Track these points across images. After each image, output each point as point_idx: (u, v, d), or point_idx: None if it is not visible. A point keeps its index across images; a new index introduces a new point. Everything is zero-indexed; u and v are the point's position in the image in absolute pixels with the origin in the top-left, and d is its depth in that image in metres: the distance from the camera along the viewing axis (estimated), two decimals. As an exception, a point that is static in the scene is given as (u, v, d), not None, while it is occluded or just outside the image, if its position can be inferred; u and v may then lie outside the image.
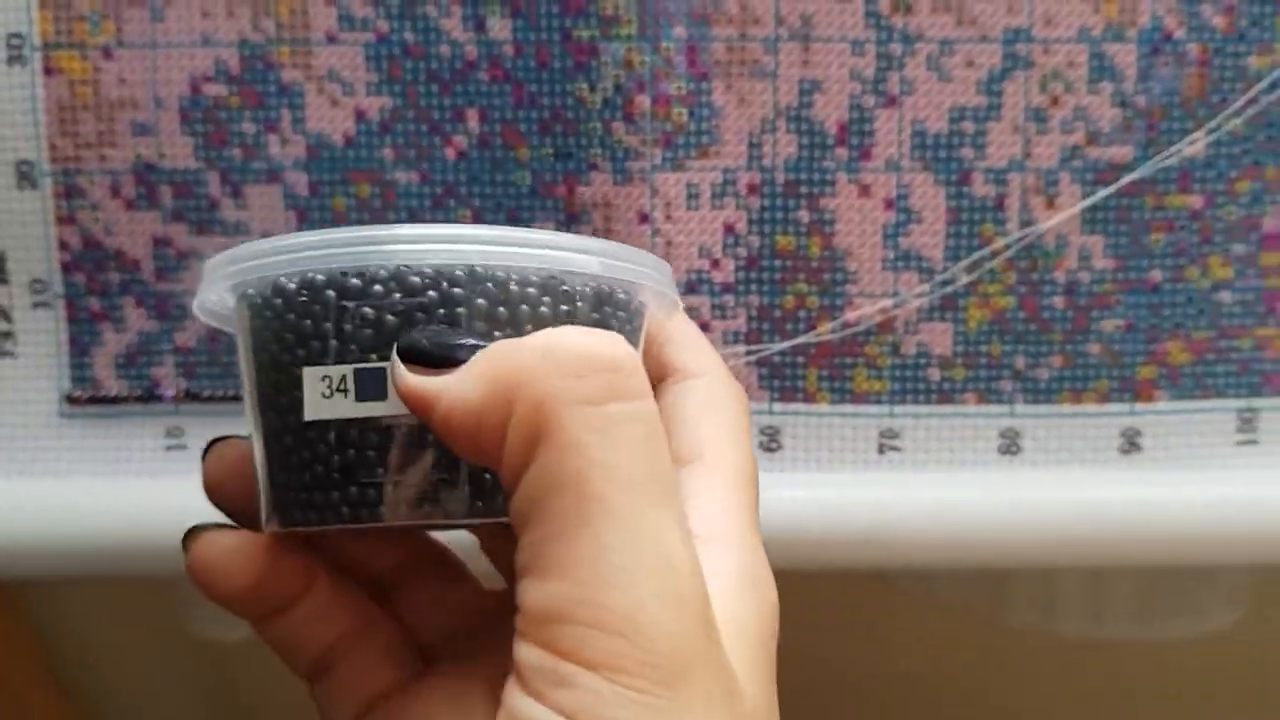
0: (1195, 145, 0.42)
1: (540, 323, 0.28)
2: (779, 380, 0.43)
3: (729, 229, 0.42)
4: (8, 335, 0.43)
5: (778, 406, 0.43)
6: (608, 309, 0.30)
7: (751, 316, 0.43)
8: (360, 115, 0.42)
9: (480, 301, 0.28)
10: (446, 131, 0.41)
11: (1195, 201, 0.43)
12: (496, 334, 0.28)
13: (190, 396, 0.43)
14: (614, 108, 0.41)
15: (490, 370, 0.26)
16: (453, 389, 0.26)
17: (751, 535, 0.30)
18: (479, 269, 0.28)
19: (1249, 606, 0.63)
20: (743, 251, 0.43)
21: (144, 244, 0.42)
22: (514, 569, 0.34)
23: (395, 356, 0.27)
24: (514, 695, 0.25)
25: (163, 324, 0.43)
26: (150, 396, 0.43)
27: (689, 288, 0.43)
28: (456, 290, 0.28)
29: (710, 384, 0.32)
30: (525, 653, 0.25)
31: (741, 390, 0.33)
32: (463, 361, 0.27)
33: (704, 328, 0.43)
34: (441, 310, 0.28)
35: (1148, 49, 0.42)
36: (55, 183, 0.42)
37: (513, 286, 0.28)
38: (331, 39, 0.41)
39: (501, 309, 0.28)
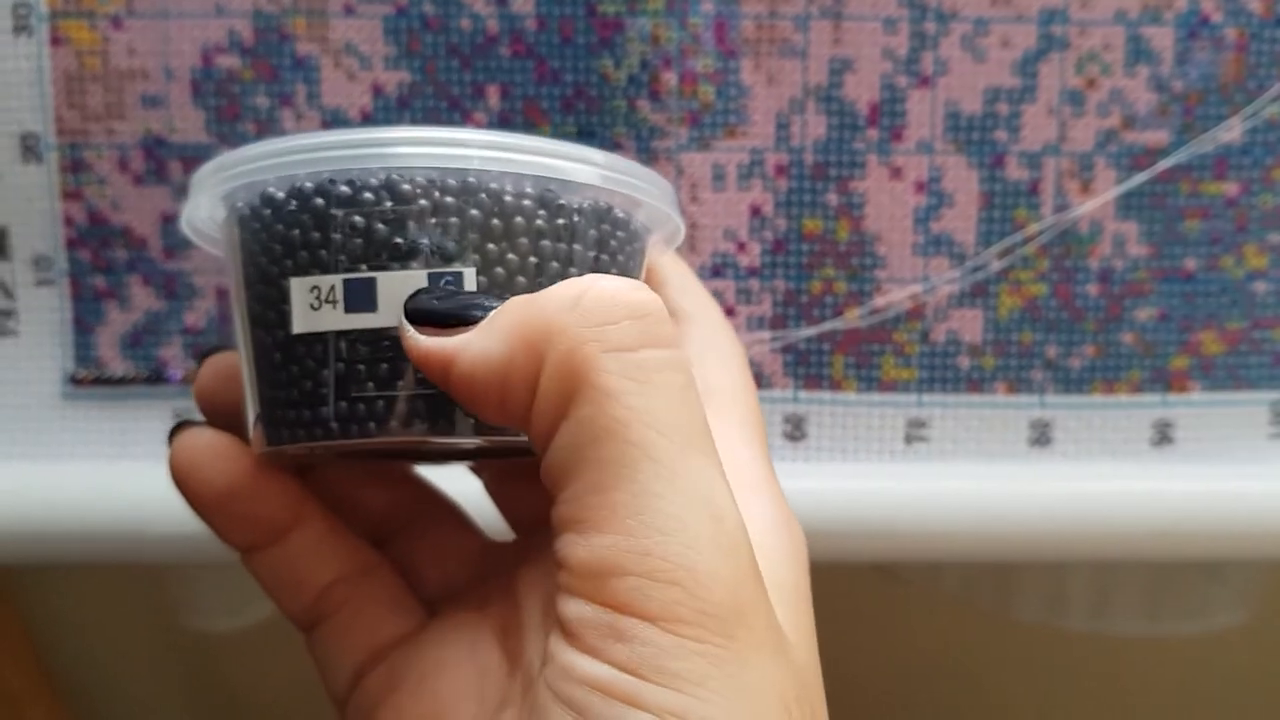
0: (1232, 131, 0.41)
1: (535, 236, 0.27)
2: (804, 367, 0.42)
3: (755, 211, 0.41)
4: (9, 314, 0.41)
5: (803, 394, 0.42)
6: (606, 226, 0.29)
7: (777, 301, 0.42)
8: (377, 90, 0.40)
9: (474, 212, 0.27)
10: (466, 108, 0.40)
11: (1231, 189, 0.42)
12: (490, 246, 0.27)
13: (198, 379, 0.41)
14: (639, 85, 0.40)
15: (517, 322, 0.25)
16: (474, 345, 0.25)
17: (773, 479, 0.29)
18: (472, 178, 0.27)
19: (1259, 605, 0.62)
20: (769, 234, 0.41)
21: (152, 220, 0.41)
22: (522, 516, 0.34)
23: (404, 320, 0.26)
24: (566, 653, 0.24)
25: (170, 303, 0.41)
26: (157, 378, 0.42)
27: (714, 271, 0.41)
28: (449, 199, 0.27)
29: (707, 327, 0.31)
30: (576, 609, 0.24)
31: (734, 332, 0.32)
32: (478, 320, 0.26)
33: (729, 312, 0.42)
34: (434, 219, 0.27)
35: (1185, 32, 0.41)
36: (61, 156, 0.40)
37: (507, 197, 0.27)
38: (349, 10, 0.40)
39: (495, 220, 0.27)
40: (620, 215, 0.29)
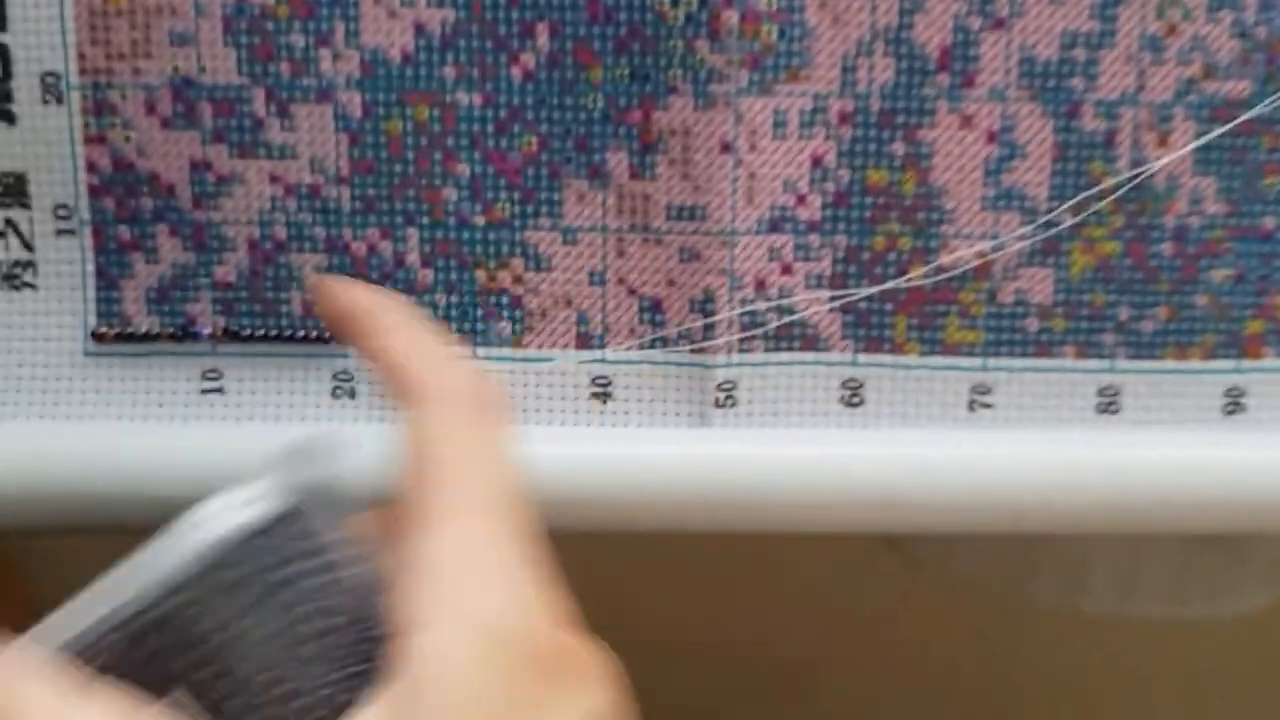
0: (1315, 83, 0.39)
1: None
2: (864, 329, 0.40)
3: (817, 161, 0.39)
4: (28, 265, 0.39)
5: (862, 357, 0.40)
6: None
7: (837, 259, 0.40)
8: (420, 29, 0.38)
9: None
10: (513, 49, 0.38)
11: (1313, 144, 0.39)
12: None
13: (229, 335, 0.39)
14: (697, 25, 0.38)
15: None
16: None
17: (518, 564, 0.27)
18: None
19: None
20: (831, 186, 0.39)
21: (180, 167, 0.39)
22: None
23: None
24: None
25: (199, 255, 0.39)
26: (184, 334, 0.39)
27: (771, 225, 0.39)
28: None
29: (436, 413, 0.28)
30: None
31: (482, 390, 0.29)
32: None
33: (785, 270, 0.39)
34: None
35: (1268, -23, 0.39)
36: (83, 97, 0.38)
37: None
38: (390, -56, 0.38)
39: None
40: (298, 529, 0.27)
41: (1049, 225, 0.39)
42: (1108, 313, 0.40)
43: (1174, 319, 0.40)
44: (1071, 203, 0.39)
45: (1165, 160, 0.39)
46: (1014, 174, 0.39)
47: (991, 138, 0.39)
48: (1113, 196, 0.39)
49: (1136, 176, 0.39)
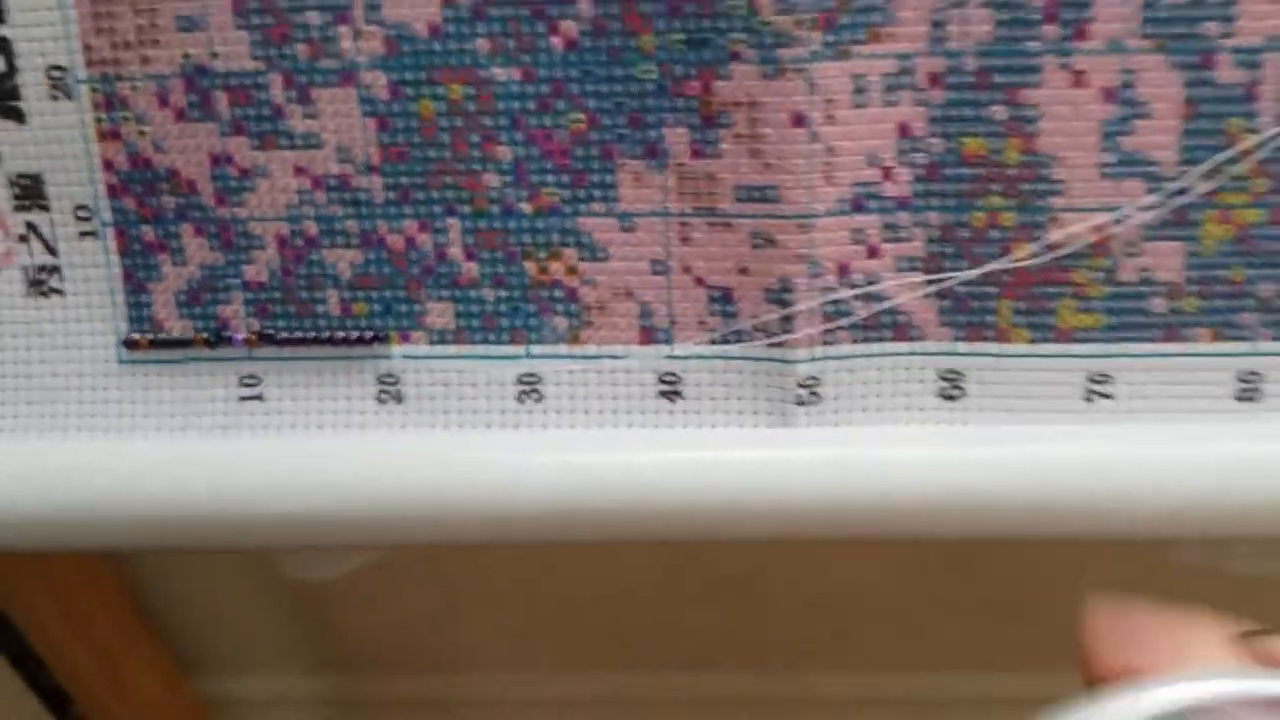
0: None
1: None
2: (964, 315, 0.35)
3: (904, 130, 0.34)
4: (54, 270, 0.37)
5: (962, 346, 0.36)
6: None
7: (932, 238, 0.35)
8: (448, -1, 0.34)
9: None
10: (552, 15, 0.34)
11: None
12: None
13: (264, 339, 0.37)
14: (761, -19, 0.33)
15: None
16: None
17: None
18: None
19: None
20: (921, 158, 0.34)
21: (200, 161, 0.35)
22: None
23: None
24: None
25: (227, 255, 0.36)
26: (218, 339, 0.37)
27: (855, 204, 0.35)
28: None
29: None
30: None
31: None
32: None
33: (872, 252, 0.35)
34: None
35: None
36: (93, 91, 0.35)
37: None
38: (411, -96, 0.33)
39: None
40: None
41: (1178, 193, 0.34)
42: (1248, 289, 0.35)
43: (1328, 292, 0.35)
44: (1205, 167, 0.34)
45: (1320, 111, 0.33)
46: (1136, 136, 0.34)
47: (1109, 96, 0.33)
48: (1254, 158, 0.34)
49: (1284, 133, 0.33)
